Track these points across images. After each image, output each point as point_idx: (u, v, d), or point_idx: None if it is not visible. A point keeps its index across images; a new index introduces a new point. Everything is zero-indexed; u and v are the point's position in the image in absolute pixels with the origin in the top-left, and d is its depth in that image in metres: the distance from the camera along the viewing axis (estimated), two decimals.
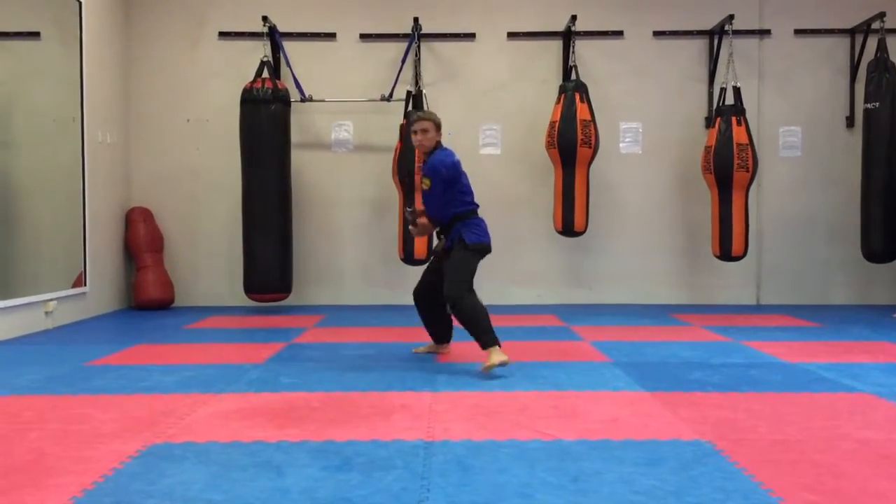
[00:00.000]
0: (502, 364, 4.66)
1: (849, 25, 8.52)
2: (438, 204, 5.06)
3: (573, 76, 8.13)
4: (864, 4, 8.35)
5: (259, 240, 7.81)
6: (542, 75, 8.59)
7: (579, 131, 7.77)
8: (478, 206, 5.21)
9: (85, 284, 7.44)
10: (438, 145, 5.12)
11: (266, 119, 7.79)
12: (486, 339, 4.80)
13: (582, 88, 7.94)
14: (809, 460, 3.06)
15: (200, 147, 8.58)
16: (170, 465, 3.03)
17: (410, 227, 5.31)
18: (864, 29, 8.34)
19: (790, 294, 8.65)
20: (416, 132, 5.10)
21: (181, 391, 4.29)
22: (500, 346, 4.78)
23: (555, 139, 7.87)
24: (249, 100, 7.80)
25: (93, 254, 7.57)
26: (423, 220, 5.21)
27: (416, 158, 5.25)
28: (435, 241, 5.36)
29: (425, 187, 5.08)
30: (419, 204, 5.44)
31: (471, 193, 5.16)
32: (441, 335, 5.46)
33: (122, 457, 3.12)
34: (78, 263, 7.36)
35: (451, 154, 5.09)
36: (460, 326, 5.02)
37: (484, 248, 5.11)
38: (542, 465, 3.02)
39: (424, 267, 5.46)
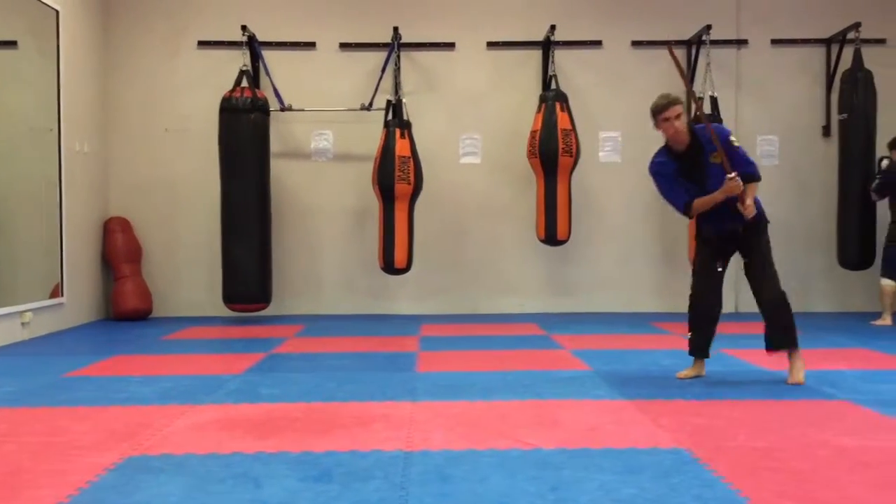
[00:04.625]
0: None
1: (825, 36, 8.61)
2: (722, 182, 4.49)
3: (553, 86, 8.16)
4: (840, 15, 8.45)
5: (238, 249, 7.77)
6: (522, 85, 8.61)
7: (560, 140, 7.80)
8: None
9: (62, 295, 7.37)
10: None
11: (245, 128, 7.76)
12: (796, 341, 4.63)
13: (562, 98, 7.98)
14: (787, 468, 3.07)
15: (179, 156, 8.53)
16: (146, 478, 2.99)
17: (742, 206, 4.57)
18: (840, 39, 8.44)
19: None
20: (668, 119, 4.52)
21: (159, 402, 4.25)
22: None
23: (536, 148, 7.89)
24: (228, 109, 7.77)
25: (70, 264, 7.50)
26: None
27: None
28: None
29: (735, 143, 4.61)
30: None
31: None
32: (709, 345, 4.90)
33: (98, 469, 3.09)
34: (55, 274, 7.29)
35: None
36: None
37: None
38: (521, 474, 3.01)
39: (702, 270, 4.82)
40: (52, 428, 3.74)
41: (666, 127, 4.57)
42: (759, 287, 4.71)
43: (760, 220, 4.67)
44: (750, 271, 4.77)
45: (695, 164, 4.62)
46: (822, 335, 6.79)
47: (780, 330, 4.66)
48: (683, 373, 4.92)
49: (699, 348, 4.88)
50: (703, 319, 4.85)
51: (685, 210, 4.70)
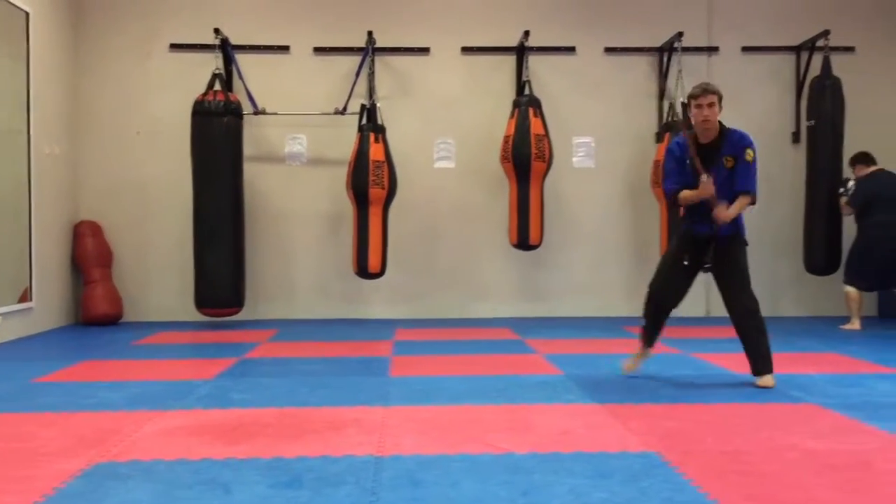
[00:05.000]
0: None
1: (795, 43, 8.72)
2: (728, 188, 4.63)
3: (527, 91, 8.20)
4: (810, 22, 8.56)
5: (211, 254, 7.72)
6: (496, 90, 8.64)
7: (533, 145, 7.83)
8: None
9: (31, 300, 7.28)
10: (721, 125, 4.71)
11: (218, 132, 7.72)
12: (769, 363, 4.72)
13: (535, 103, 8.01)
14: (756, 471, 3.10)
15: (150, 160, 8.47)
16: (114, 485, 2.96)
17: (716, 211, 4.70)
18: (810, 46, 8.55)
19: None
20: (700, 106, 4.63)
21: (128, 408, 4.21)
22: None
23: (509, 153, 7.92)
24: (201, 112, 7.72)
25: (39, 268, 7.41)
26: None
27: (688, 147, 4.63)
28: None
29: (749, 158, 4.67)
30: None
31: None
32: (655, 338, 5.11)
33: (65, 476, 3.05)
34: (24, 278, 7.20)
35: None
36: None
37: None
38: (493, 478, 3.01)
39: (667, 263, 4.99)
40: (19, 434, 3.69)
41: (696, 113, 4.70)
42: (732, 304, 4.82)
43: (734, 236, 4.76)
44: (722, 287, 4.87)
45: (709, 160, 4.72)
46: (792, 339, 6.87)
47: (762, 356, 4.76)
48: (627, 363, 5.14)
49: (649, 337, 5.08)
50: (658, 311, 5.03)
51: (670, 195, 4.83)
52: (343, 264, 8.39)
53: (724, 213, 4.67)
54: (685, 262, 4.85)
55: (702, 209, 4.73)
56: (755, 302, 4.78)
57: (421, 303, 8.65)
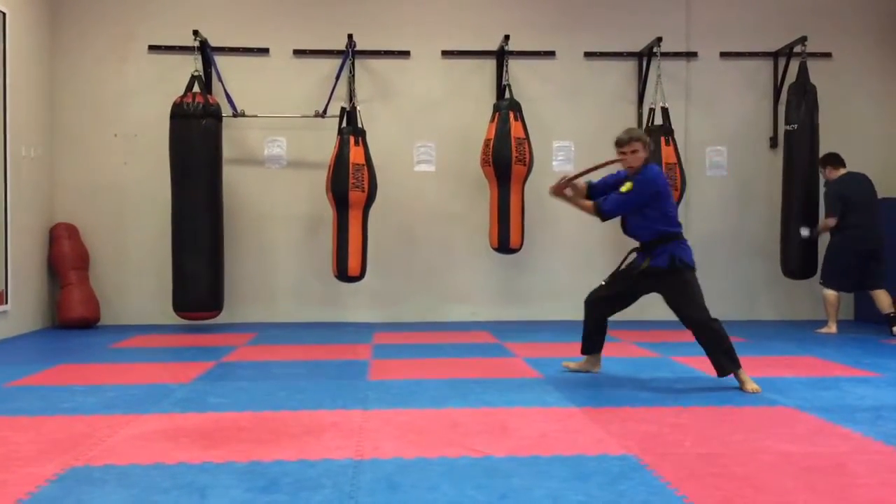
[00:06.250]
0: (754, 391, 4.68)
1: (772, 49, 8.79)
2: (625, 208, 4.94)
3: (507, 95, 8.21)
4: (787, 29, 8.63)
5: (189, 257, 7.67)
6: (476, 94, 8.65)
7: (514, 149, 7.85)
8: (681, 228, 5.10)
9: (6, 302, 7.20)
10: (647, 161, 5.00)
11: (197, 134, 7.68)
12: (729, 364, 4.78)
13: (516, 107, 8.03)
14: (732, 473, 3.12)
15: (128, 162, 8.41)
16: (89, 489, 2.94)
17: (555, 184, 5.17)
18: (787, 52, 8.62)
19: (717, 310, 8.54)
20: (624, 153, 4.95)
21: (104, 412, 4.18)
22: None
23: (489, 157, 7.93)
24: (179, 114, 7.68)
25: (15, 271, 7.33)
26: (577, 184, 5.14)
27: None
28: (631, 257, 5.18)
29: (624, 189, 4.94)
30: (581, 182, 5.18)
31: (676, 216, 5.06)
32: (598, 346, 5.34)
33: (39, 480, 3.02)
34: None
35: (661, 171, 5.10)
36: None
37: (693, 269, 5.03)
38: (471, 482, 3.01)
39: (609, 276, 5.28)
40: None
41: (621, 159, 5.02)
42: (683, 316, 4.99)
43: (669, 269, 4.93)
44: (672, 308, 5.08)
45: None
46: (768, 343, 6.92)
47: (720, 356, 4.83)
48: (571, 364, 5.43)
49: (586, 347, 5.34)
50: (591, 323, 5.30)
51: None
52: (322, 268, 8.36)
53: (556, 188, 5.14)
54: (602, 281, 5.28)
55: (639, 242, 5.08)
56: (705, 312, 4.90)
57: (400, 306, 8.63)
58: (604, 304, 5.25)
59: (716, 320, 4.88)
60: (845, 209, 7.53)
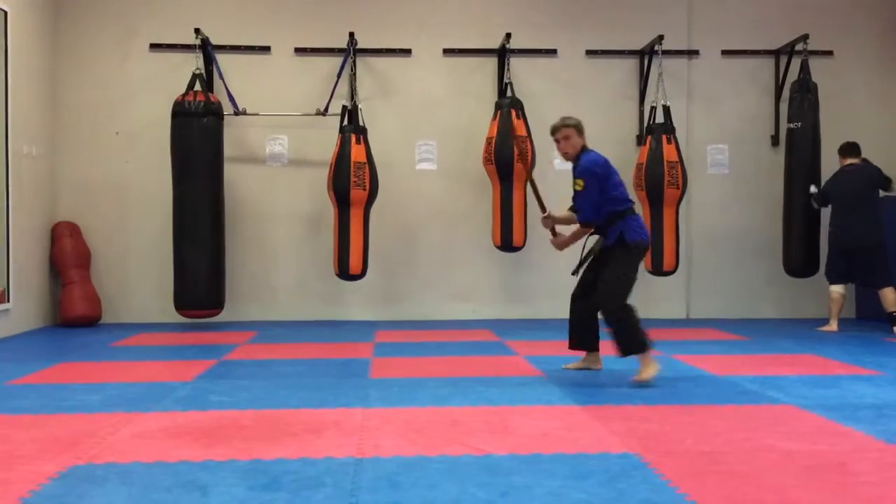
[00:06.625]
0: (656, 371, 4.76)
1: (774, 47, 8.78)
2: (593, 204, 4.98)
3: (509, 93, 8.21)
4: (789, 27, 8.62)
5: (190, 255, 7.68)
6: (477, 92, 8.64)
7: (516, 147, 7.83)
8: (633, 202, 5.12)
9: (8, 301, 7.21)
10: (584, 149, 5.07)
11: (198, 132, 7.68)
12: (635, 347, 4.80)
13: (518, 105, 8.02)
14: (733, 471, 3.12)
15: (130, 160, 8.41)
16: (91, 487, 2.94)
17: (551, 238, 5.39)
18: (789, 50, 8.61)
19: (719, 308, 8.83)
20: (558, 140, 5.07)
21: (105, 410, 4.18)
22: (651, 353, 4.84)
23: (492, 155, 7.92)
24: (181, 113, 7.68)
25: (16, 269, 7.34)
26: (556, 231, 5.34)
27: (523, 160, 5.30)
28: (591, 242, 5.20)
29: (578, 188, 5.01)
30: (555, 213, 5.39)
31: (625, 189, 5.08)
32: (587, 343, 5.30)
33: (41, 479, 3.02)
34: (0, 279, 7.11)
35: (599, 154, 5.07)
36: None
37: (644, 246, 5.03)
38: (472, 480, 3.01)
39: (576, 270, 5.28)
40: None
41: (557, 147, 5.19)
42: (597, 297, 5.01)
43: (615, 245, 4.97)
44: (598, 275, 5.06)
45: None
46: (770, 341, 6.91)
47: (622, 340, 4.87)
48: (571, 365, 5.41)
49: (571, 343, 5.36)
50: (574, 318, 5.30)
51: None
52: (324, 266, 8.36)
53: (557, 242, 5.32)
54: (572, 273, 5.27)
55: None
56: (612, 301, 4.89)
57: (402, 304, 8.63)
58: (580, 297, 5.22)
59: (624, 308, 4.85)
60: (832, 204, 7.63)
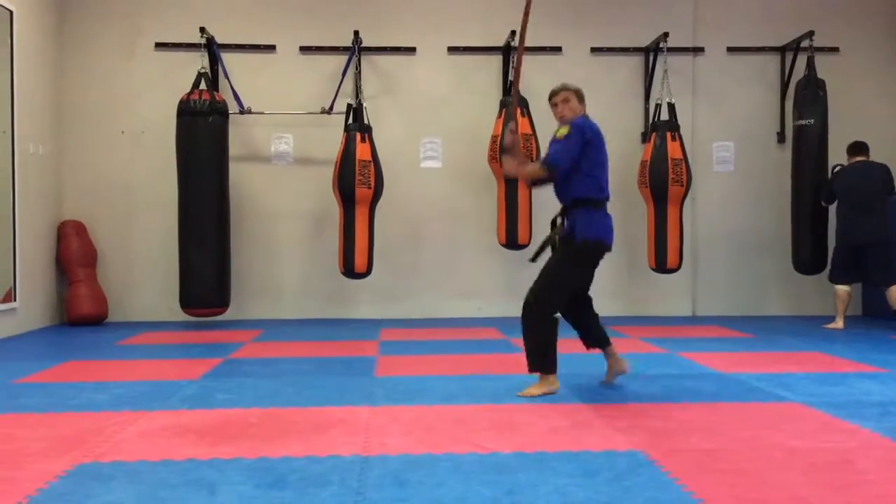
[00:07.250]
0: (546, 393, 4.42)
1: (779, 44, 8.76)
2: (569, 156, 4.46)
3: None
4: (794, 23, 8.60)
5: (196, 253, 7.69)
6: (482, 89, 8.64)
7: (521, 145, 7.82)
8: (608, 197, 4.63)
9: (15, 300, 7.23)
10: (584, 117, 4.64)
11: (203, 131, 7.69)
12: (539, 364, 4.48)
13: (523, 103, 8.01)
14: (740, 469, 3.12)
15: (135, 159, 8.43)
16: (98, 485, 2.95)
17: (505, 157, 4.87)
18: (794, 47, 8.59)
19: (724, 306, 8.82)
20: (556, 104, 4.68)
21: (112, 409, 4.19)
22: (554, 376, 4.50)
23: (497, 153, 7.92)
24: (186, 111, 7.69)
25: (23, 268, 7.36)
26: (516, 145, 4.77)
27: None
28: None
29: (560, 134, 4.56)
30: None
31: (605, 181, 4.59)
32: (599, 339, 4.81)
33: (48, 477, 3.03)
34: (7, 278, 7.14)
35: (598, 127, 4.64)
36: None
37: (600, 248, 4.56)
38: (478, 478, 3.02)
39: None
40: (1, 435, 3.66)
41: (554, 111, 4.79)
42: (529, 293, 4.60)
43: (566, 237, 4.59)
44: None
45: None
46: (776, 338, 6.90)
47: (532, 355, 4.55)
48: (603, 380, 4.89)
49: (589, 344, 4.90)
50: (574, 324, 4.87)
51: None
52: (329, 264, 8.37)
53: (509, 165, 4.94)
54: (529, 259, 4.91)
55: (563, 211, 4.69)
56: (537, 298, 4.50)
57: (407, 302, 8.64)
58: (568, 308, 4.79)
59: (547, 319, 4.49)
60: (838, 200, 7.60)
